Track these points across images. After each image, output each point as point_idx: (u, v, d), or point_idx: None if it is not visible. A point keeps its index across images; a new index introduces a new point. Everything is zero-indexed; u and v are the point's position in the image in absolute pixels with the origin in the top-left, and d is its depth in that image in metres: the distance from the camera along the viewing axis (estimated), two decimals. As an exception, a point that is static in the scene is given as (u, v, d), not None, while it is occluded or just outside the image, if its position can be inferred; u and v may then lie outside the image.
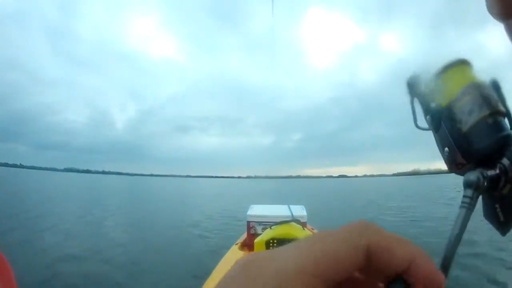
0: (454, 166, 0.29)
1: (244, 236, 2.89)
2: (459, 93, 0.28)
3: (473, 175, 0.25)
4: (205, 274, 2.16)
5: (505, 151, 0.26)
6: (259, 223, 2.65)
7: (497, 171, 0.26)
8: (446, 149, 0.29)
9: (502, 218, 0.27)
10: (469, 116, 0.28)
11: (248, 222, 2.69)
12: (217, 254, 2.96)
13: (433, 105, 0.30)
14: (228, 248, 2.85)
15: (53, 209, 10.84)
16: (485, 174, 0.25)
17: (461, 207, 0.24)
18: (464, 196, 0.25)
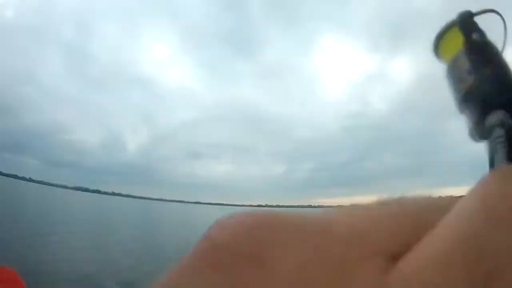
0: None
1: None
2: (459, 52, 0.29)
3: (497, 115, 0.25)
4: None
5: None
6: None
7: None
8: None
9: None
10: (469, 75, 0.28)
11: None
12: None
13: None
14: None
15: (60, 226, 10.59)
16: (506, 115, 0.25)
17: (497, 144, 0.23)
18: (497, 137, 0.23)
